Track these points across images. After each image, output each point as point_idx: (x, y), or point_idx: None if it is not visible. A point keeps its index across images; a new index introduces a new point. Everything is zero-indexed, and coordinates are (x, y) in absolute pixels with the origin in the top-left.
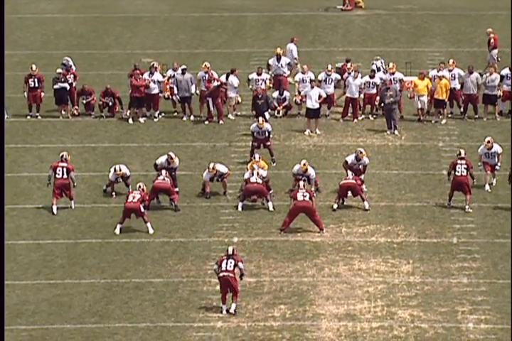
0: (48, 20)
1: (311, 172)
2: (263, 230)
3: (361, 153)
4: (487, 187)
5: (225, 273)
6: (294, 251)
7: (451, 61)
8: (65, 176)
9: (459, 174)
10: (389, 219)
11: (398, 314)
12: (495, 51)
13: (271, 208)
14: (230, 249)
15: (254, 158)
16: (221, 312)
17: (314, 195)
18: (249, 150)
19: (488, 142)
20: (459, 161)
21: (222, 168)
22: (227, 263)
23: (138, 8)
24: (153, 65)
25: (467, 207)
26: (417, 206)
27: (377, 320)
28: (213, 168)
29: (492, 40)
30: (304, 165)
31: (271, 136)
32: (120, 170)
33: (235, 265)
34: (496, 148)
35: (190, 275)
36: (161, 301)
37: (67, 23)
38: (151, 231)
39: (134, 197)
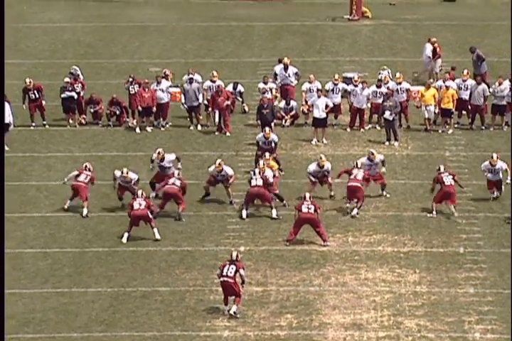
0: (55, 29)
1: (328, 166)
2: (270, 239)
3: (321, 159)
4: (495, 194)
5: (225, 279)
6: (301, 261)
7: (465, 71)
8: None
9: (448, 183)
10: (396, 229)
11: (405, 323)
12: (439, 60)
13: (274, 215)
14: (234, 254)
15: (265, 156)
16: (223, 313)
17: (320, 207)
18: (254, 160)
19: (493, 158)
20: (442, 174)
21: (228, 170)
22: (228, 269)
23: (145, 18)
24: (164, 72)
25: (456, 213)
26: (423, 216)
27: (384, 329)
28: (219, 165)
29: (438, 49)
30: (322, 159)
31: (277, 146)
32: (127, 173)
33: (236, 271)
34: (501, 164)
35: (196, 284)
36: (167, 310)
37: (74, 32)
38: (158, 237)
39: (140, 205)
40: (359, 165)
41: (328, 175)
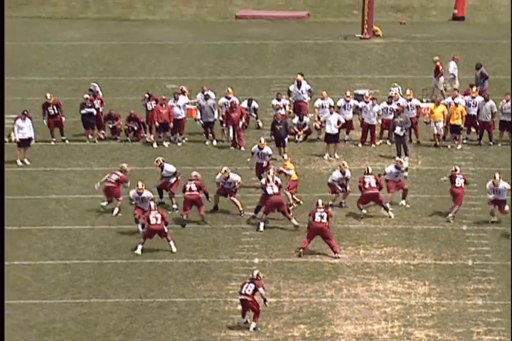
0: (76, 47)
1: (349, 173)
2: (283, 251)
3: (344, 165)
4: (494, 218)
5: (243, 297)
6: (313, 272)
7: (474, 88)
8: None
9: (459, 185)
10: (406, 242)
11: (415, 334)
12: (442, 78)
13: (295, 223)
14: (255, 273)
15: (283, 157)
16: (238, 324)
17: (332, 215)
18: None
19: (495, 178)
20: (457, 175)
21: (235, 176)
22: (247, 287)
23: (163, 36)
24: (181, 89)
25: (451, 215)
26: (433, 229)
27: (395, 340)
28: (225, 171)
29: (441, 68)
30: (344, 165)
31: (270, 158)
32: (142, 186)
33: (255, 289)
34: (503, 184)
35: (212, 295)
36: (183, 320)
37: (94, 50)
38: (174, 249)
39: (156, 219)
40: (387, 172)
41: (347, 182)
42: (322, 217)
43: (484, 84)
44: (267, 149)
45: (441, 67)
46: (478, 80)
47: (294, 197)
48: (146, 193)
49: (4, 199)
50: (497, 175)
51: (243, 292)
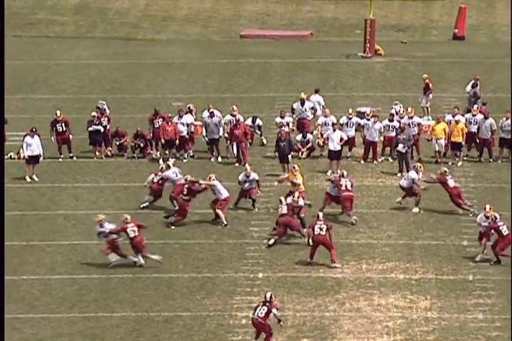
0: (83, 66)
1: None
2: (287, 266)
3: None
4: (478, 257)
5: (256, 318)
6: (317, 287)
7: (475, 106)
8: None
9: (452, 186)
10: (407, 257)
11: None
12: (430, 96)
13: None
14: (268, 295)
15: (294, 168)
16: (242, 337)
17: (331, 227)
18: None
19: (486, 209)
20: (447, 177)
21: (254, 174)
22: (260, 310)
23: (169, 55)
24: (189, 107)
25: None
26: (434, 244)
27: None
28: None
29: (430, 85)
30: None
31: (257, 183)
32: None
33: (268, 312)
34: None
35: (217, 309)
36: (189, 334)
37: (101, 69)
38: (142, 262)
39: (134, 231)
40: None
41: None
42: (321, 229)
43: (476, 102)
44: (253, 175)
45: (431, 85)
46: (470, 99)
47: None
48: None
49: (4, 213)
50: (487, 206)
51: (256, 314)
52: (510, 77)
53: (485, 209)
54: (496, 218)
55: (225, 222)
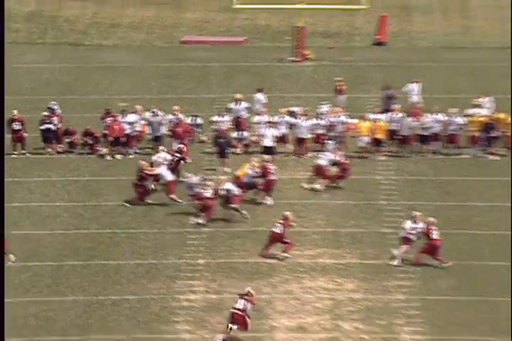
0: (36, 69)
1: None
2: (226, 253)
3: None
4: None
5: (234, 310)
6: (252, 272)
7: (396, 106)
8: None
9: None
10: (335, 243)
11: (343, 326)
12: (342, 97)
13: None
14: (246, 289)
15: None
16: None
17: (291, 224)
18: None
19: (416, 216)
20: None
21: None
22: (239, 303)
23: (115, 59)
24: (134, 108)
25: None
26: (358, 232)
27: (325, 332)
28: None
29: (344, 88)
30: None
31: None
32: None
33: (246, 305)
34: (421, 225)
35: (161, 292)
36: (135, 316)
37: (52, 72)
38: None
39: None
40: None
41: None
42: (277, 227)
43: (391, 103)
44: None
45: (344, 87)
46: (385, 100)
47: None
48: None
49: (4, 212)
50: (418, 213)
51: (236, 306)
52: (432, 79)
53: (415, 216)
54: (431, 222)
55: (180, 200)
